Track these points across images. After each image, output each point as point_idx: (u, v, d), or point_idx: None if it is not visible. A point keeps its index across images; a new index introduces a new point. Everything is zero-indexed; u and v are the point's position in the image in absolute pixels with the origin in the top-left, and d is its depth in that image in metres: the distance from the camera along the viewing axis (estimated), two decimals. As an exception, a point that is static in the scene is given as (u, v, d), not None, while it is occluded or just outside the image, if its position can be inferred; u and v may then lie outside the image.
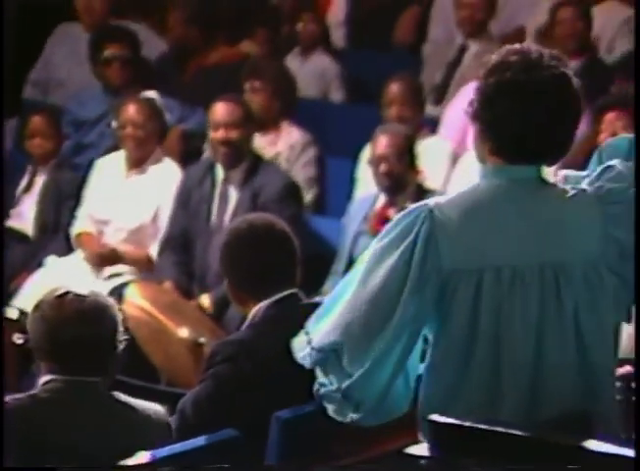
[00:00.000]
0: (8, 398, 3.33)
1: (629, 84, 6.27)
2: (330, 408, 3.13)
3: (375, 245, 3.05)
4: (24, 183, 6.38)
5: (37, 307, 3.46)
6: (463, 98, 6.62)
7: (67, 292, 3.44)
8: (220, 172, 5.74)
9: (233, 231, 3.92)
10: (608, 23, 6.94)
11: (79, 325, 3.37)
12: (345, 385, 3.05)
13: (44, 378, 3.38)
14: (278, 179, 5.71)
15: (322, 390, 3.10)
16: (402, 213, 3.06)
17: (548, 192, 3.12)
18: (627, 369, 3.70)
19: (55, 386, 3.36)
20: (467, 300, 3.06)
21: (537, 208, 3.09)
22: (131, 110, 5.99)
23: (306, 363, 3.12)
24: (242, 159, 5.68)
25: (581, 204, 3.12)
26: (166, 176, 6.00)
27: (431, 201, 3.09)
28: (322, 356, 3.07)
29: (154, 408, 3.52)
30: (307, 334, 3.13)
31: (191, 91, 6.79)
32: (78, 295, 3.42)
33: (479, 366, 3.15)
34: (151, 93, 6.35)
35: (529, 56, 3.05)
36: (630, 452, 2.89)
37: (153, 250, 5.94)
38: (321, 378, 3.11)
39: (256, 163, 5.73)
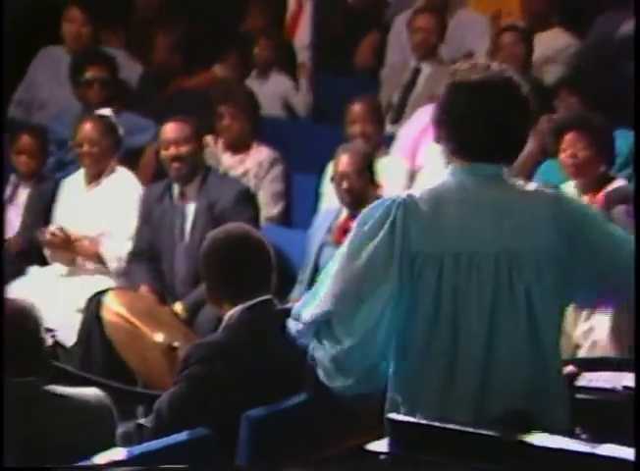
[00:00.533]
0: None
1: (574, 101, 6.32)
2: (322, 373, 3.20)
3: (356, 230, 3.15)
4: (7, 193, 6.33)
5: None
6: (416, 119, 6.67)
7: None
8: (176, 188, 5.73)
9: (212, 239, 3.91)
10: (551, 48, 6.96)
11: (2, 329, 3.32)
12: (339, 352, 3.11)
13: None
14: (231, 187, 5.71)
15: (317, 354, 3.16)
16: (376, 202, 3.18)
17: (507, 188, 3.22)
18: (570, 369, 3.73)
19: None
20: (431, 284, 3.15)
21: (496, 202, 3.20)
22: (86, 128, 5.95)
23: (301, 337, 3.20)
24: (196, 173, 5.68)
25: (538, 201, 3.22)
26: (120, 184, 5.98)
27: (403, 193, 3.21)
28: (315, 328, 3.14)
29: (92, 393, 3.48)
30: (297, 317, 3.19)
31: (169, 111, 6.76)
32: None
33: (438, 351, 3.20)
34: (106, 111, 6.26)
35: (478, 64, 3.22)
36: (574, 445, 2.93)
37: (102, 247, 5.89)
38: (314, 345, 3.17)
39: (209, 176, 5.72)
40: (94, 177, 6.01)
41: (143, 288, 5.60)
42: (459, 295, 3.17)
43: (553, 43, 7.07)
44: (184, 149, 5.64)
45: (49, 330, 3.47)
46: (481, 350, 3.20)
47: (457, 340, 3.20)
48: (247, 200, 5.68)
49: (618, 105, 6.40)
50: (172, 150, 5.65)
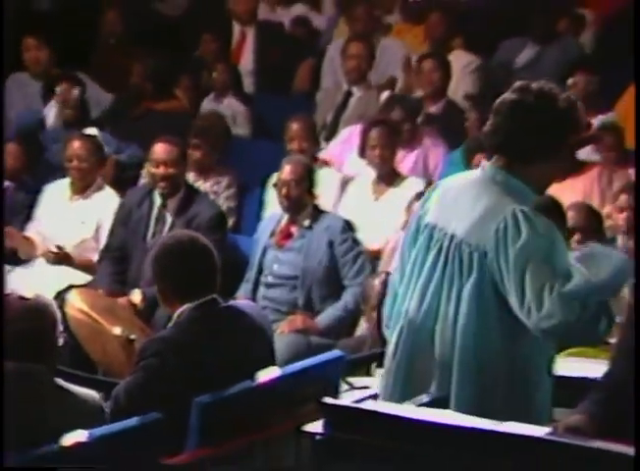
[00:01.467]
0: None
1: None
2: None
3: None
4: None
5: None
6: (340, 135, 6.67)
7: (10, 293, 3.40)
8: (157, 198, 5.66)
9: (162, 245, 3.88)
10: (455, 68, 6.97)
11: (22, 320, 3.31)
12: None
13: None
14: (208, 209, 5.64)
15: None
16: None
17: (491, 190, 3.17)
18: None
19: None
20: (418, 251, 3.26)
21: (482, 198, 3.17)
22: (75, 145, 5.91)
23: None
24: (178, 190, 5.63)
25: (501, 208, 3.14)
26: (107, 201, 5.93)
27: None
28: None
29: (90, 394, 3.47)
30: None
31: (138, 129, 6.73)
32: (21, 297, 3.36)
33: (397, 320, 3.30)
34: (92, 130, 6.25)
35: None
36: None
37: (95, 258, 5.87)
38: None
39: (190, 193, 5.67)
40: (80, 189, 5.97)
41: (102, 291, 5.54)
42: (424, 269, 3.23)
43: (456, 62, 7.05)
44: (171, 170, 5.57)
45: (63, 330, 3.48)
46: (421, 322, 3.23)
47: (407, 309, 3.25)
48: (220, 223, 5.62)
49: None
50: (161, 169, 5.58)
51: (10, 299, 3.36)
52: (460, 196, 3.24)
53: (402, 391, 3.26)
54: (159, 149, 5.65)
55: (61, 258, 5.80)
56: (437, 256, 3.21)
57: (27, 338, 3.32)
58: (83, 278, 5.80)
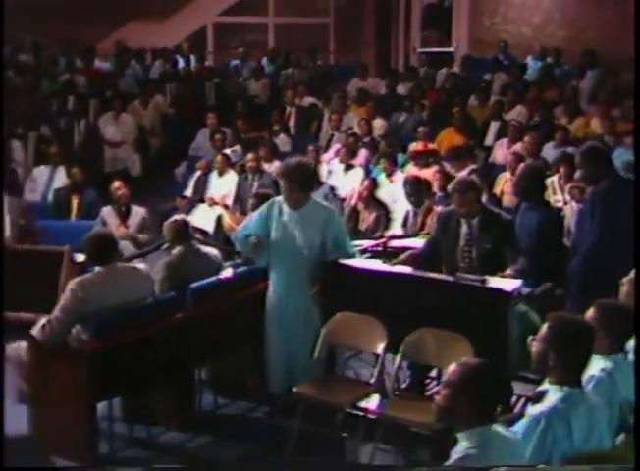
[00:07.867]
0: None
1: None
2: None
3: None
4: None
5: None
6: (332, 150, 6.48)
7: None
8: (250, 177, 5.60)
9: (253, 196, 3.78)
10: (375, 124, 7.01)
11: None
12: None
13: None
14: (268, 179, 5.29)
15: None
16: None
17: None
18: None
19: None
20: None
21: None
22: (218, 158, 5.73)
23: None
24: (258, 171, 5.37)
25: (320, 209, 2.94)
26: (234, 177, 5.64)
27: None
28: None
29: (214, 251, 3.09)
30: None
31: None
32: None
33: None
34: (227, 151, 6.17)
35: None
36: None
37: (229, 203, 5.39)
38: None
39: (262, 173, 5.37)
40: (220, 173, 5.56)
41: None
42: None
43: (376, 122, 6.86)
44: (254, 163, 5.28)
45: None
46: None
47: None
48: (274, 185, 4.85)
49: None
50: (249, 163, 5.27)
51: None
52: None
53: None
54: (249, 157, 5.64)
55: (213, 204, 5.74)
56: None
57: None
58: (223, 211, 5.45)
